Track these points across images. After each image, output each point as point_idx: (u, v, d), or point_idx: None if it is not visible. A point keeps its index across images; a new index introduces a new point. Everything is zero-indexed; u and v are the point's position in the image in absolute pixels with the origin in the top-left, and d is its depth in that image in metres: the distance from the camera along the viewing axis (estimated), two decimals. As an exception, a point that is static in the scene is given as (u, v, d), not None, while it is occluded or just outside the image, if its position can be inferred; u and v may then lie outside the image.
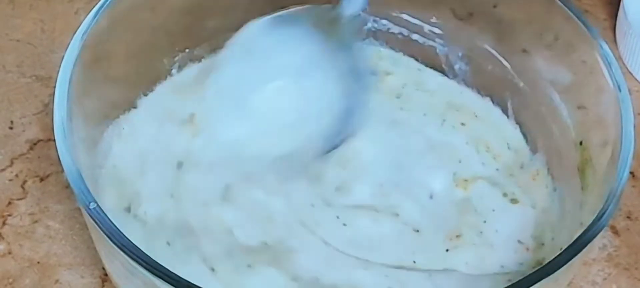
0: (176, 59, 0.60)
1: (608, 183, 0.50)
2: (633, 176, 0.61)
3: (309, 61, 0.58)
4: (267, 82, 0.58)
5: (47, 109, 0.63)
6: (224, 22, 0.61)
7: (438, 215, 0.56)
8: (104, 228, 0.46)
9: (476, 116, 0.60)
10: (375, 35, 0.63)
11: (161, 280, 0.45)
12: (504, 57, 0.60)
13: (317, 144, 0.57)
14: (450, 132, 0.60)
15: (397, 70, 0.62)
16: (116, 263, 0.48)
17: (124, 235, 0.46)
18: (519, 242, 0.55)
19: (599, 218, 0.48)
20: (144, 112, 0.58)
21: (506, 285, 0.45)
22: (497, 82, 0.59)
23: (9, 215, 0.58)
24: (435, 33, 0.62)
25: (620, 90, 0.52)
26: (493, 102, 0.61)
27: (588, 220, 0.48)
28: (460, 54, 0.62)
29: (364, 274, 0.53)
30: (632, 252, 0.58)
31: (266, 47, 0.58)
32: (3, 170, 0.60)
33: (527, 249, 0.55)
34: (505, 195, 0.57)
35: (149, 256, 0.45)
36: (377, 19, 0.63)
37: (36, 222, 0.58)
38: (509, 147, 0.59)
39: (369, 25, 0.63)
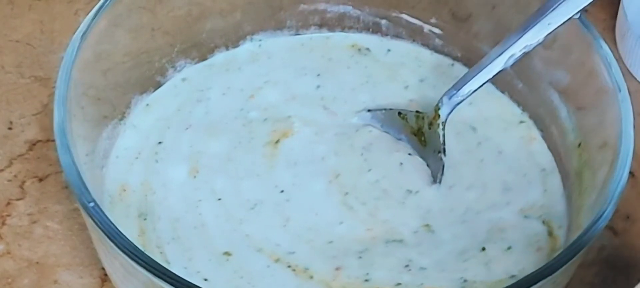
0: (175, 59, 0.60)
1: (607, 184, 0.50)
2: (632, 177, 0.61)
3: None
4: None
5: (46, 110, 0.62)
6: (223, 23, 0.61)
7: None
8: (103, 228, 0.46)
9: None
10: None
11: (161, 280, 0.45)
12: (503, 58, 0.60)
13: None
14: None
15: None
16: (115, 263, 0.48)
17: (124, 235, 0.46)
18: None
19: (597, 219, 0.48)
20: (143, 112, 0.58)
21: (505, 286, 0.45)
22: (496, 82, 0.59)
23: (8, 216, 0.58)
24: (435, 33, 0.62)
25: (620, 91, 0.52)
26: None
27: (587, 221, 0.48)
28: (459, 55, 0.62)
29: None
30: (631, 253, 0.58)
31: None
32: (2, 170, 0.60)
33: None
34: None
35: (148, 256, 0.45)
36: (377, 19, 0.63)
37: (35, 222, 0.58)
38: None
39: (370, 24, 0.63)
